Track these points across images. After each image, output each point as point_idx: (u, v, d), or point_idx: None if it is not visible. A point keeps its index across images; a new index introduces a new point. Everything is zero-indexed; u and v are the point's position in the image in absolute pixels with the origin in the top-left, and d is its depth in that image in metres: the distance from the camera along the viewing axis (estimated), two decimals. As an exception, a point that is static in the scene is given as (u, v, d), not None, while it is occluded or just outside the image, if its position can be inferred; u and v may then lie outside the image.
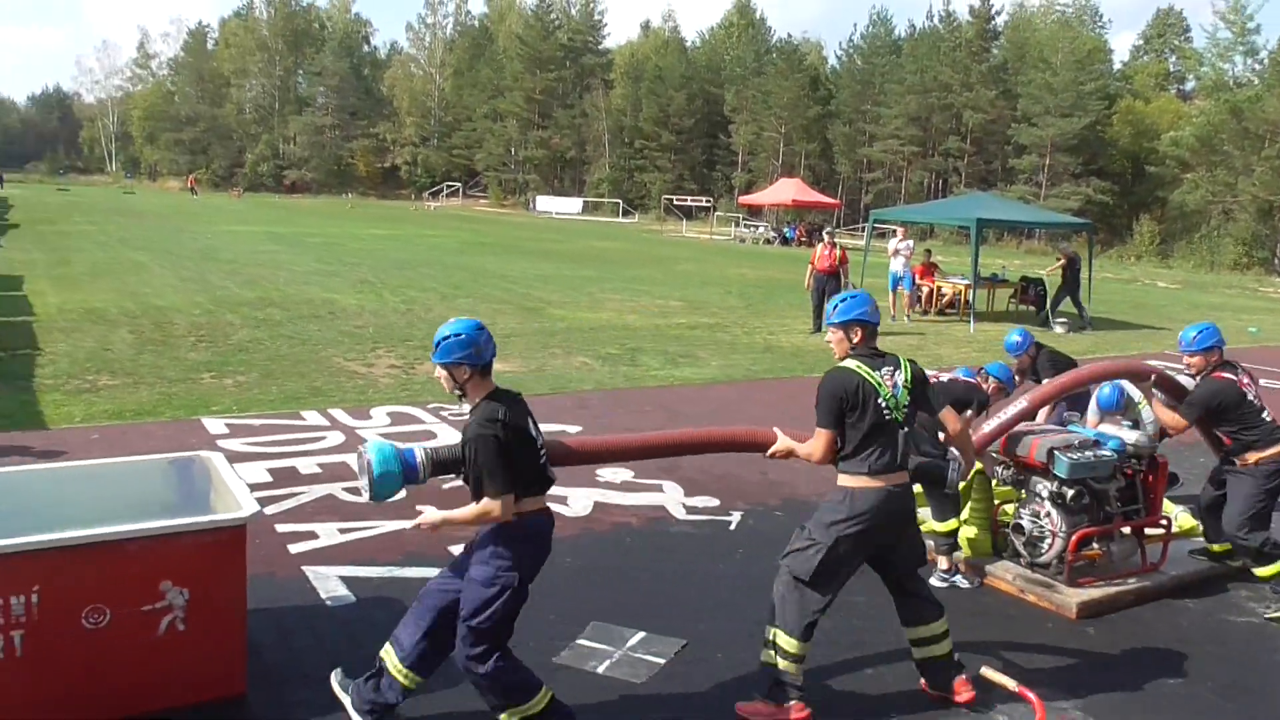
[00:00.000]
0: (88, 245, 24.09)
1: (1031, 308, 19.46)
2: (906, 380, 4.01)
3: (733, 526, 6.32)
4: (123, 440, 7.31)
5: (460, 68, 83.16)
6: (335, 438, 7.83)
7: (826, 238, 15.60)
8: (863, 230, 29.05)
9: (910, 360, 4.12)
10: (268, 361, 10.75)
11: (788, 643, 3.92)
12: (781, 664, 3.93)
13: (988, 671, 4.07)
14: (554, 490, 6.68)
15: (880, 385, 3.92)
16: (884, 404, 3.90)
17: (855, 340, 4.06)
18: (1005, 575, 5.51)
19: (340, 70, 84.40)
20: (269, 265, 21.10)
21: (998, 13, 59.38)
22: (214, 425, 7.93)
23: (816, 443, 4.02)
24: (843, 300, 4.15)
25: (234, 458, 6.46)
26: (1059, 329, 17.16)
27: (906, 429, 4.01)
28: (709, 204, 54.70)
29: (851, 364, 3.98)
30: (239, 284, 17.53)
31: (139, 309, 13.94)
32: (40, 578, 3.42)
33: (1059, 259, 19.13)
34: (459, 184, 76.66)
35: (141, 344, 11.38)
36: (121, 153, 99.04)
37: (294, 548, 5.49)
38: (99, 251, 22.52)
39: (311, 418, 8.43)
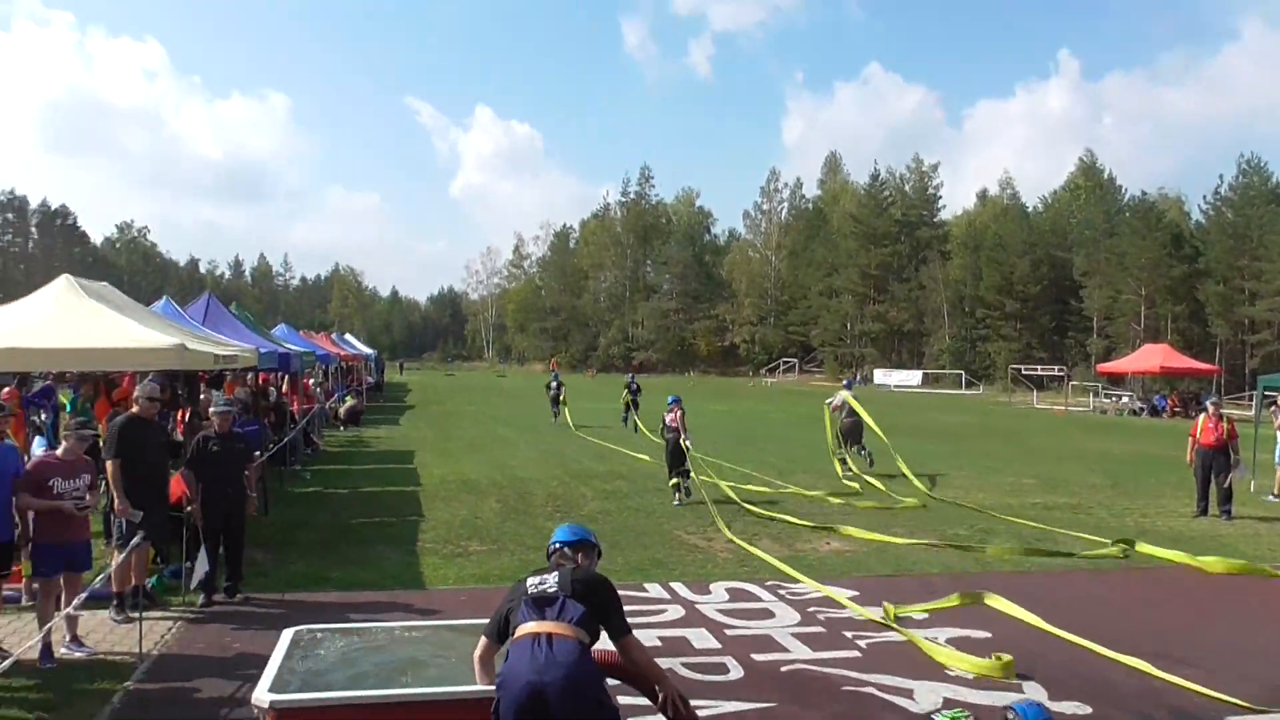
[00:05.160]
0: (466, 422, 27.18)
1: None
2: None
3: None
4: (487, 602, 7.76)
5: (795, 249, 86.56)
6: (675, 611, 7.91)
7: (1211, 408, 13.85)
8: (1249, 399, 25.63)
9: None
10: (614, 532, 11.22)
11: None
12: None
13: None
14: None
15: None
16: None
17: None
18: None
19: (684, 258, 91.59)
20: (617, 440, 22.44)
21: (1406, 148, 52.19)
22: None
23: None
24: None
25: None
26: None
27: None
28: (1062, 373, 51.20)
29: None
30: (590, 457, 18.76)
31: (505, 480, 15.33)
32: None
33: None
34: (795, 360, 78.17)
35: (506, 512, 12.41)
36: (496, 341, 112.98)
37: (634, 721, 5.49)
38: (475, 428, 25.28)
39: (653, 590, 8.60)
